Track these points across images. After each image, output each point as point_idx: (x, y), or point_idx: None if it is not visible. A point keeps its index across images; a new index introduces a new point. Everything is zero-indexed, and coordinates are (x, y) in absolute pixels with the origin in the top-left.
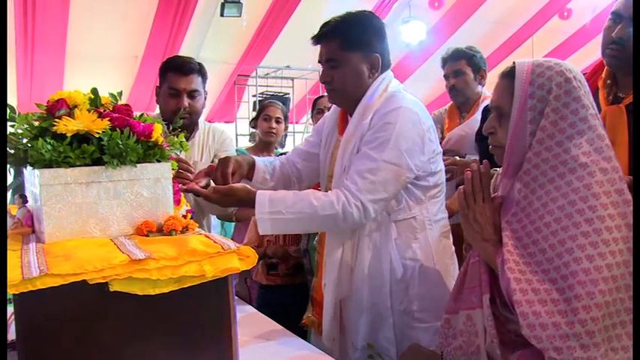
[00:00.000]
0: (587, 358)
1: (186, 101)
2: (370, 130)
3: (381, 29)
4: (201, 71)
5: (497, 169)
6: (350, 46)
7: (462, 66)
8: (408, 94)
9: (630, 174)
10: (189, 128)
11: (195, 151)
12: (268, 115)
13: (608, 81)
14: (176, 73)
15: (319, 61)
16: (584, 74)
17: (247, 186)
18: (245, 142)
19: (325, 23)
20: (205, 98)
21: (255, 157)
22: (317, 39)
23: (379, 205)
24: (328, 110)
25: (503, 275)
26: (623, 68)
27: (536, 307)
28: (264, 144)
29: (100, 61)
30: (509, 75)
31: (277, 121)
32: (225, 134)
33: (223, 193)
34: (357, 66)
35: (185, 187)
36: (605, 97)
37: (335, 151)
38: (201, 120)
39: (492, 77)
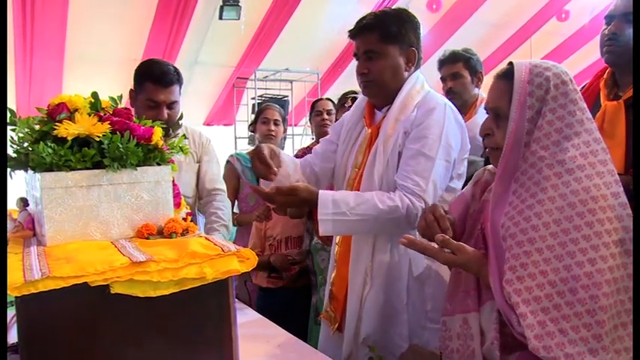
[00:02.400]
0: None
1: (165, 113)
2: (417, 127)
3: (418, 25)
4: (179, 80)
5: (489, 166)
6: (389, 38)
7: (459, 68)
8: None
9: (627, 167)
10: (167, 133)
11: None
12: (266, 117)
13: (609, 82)
14: (156, 85)
15: (355, 55)
16: (582, 86)
17: (309, 186)
18: (244, 145)
19: (362, 18)
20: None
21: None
22: (356, 32)
23: (437, 202)
24: (327, 113)
25: (499, 289)
26: (619, 63)
27: (539, 316)
28: None
29: (99, 65)
30: (506, 76)
31: (275, 124)
32: (204, 136)
33: (286, 193)
34: (395, 58)
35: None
36: (606, 96)
37: (363, 142)
38: (183, 122)
39: (491, 79)
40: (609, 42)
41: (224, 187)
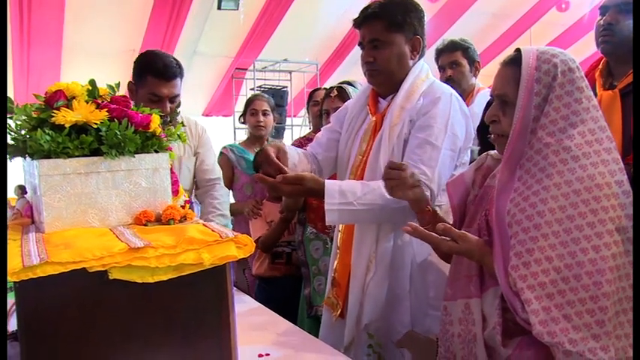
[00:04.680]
0: (601, 347)
1: (168, 107)
2: (423, 116)
3: (422, 14)
4: (181, 72)
5: (492, 152)
6: (394, 27)
7: (458, 57)
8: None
9: (623, 156)
10: (165, 122)
11: (178, 145)
12: (255, 109)
13: (604, 72)
14: (159, 80)
15: (359, 44)
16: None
17: (315, 176)
18: (243, 136)
19: (367, 6)
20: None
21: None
22: (361, 21)
23: (442, 190)
24: (324, 102)
25: (504, 276)
26: (615, 53)
27: (544, 302)
28: (255, 138)
29: (97, 55)
30: (513, 62)
31: (264, 114)
32: (200, 126)
33: (292, 182)
34: (401, 47)
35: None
36: (601, 85)
37: (367, 130)
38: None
39: (491, 69)
40: (604, 32)
41: (221, 176)
